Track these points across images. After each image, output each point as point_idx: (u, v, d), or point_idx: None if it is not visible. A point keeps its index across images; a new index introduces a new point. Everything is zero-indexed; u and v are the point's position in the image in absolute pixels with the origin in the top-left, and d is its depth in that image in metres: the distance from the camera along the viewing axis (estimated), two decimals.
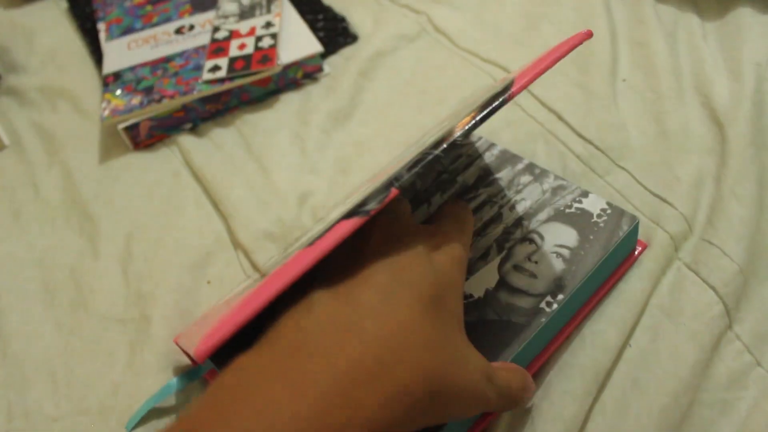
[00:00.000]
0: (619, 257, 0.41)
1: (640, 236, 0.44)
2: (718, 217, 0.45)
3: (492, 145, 0.46)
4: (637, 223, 0.40)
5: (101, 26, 0.70)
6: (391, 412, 0.25)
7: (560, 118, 0.54)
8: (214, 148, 0.58)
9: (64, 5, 0.78)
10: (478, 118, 0.31)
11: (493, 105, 0.31)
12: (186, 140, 0.58)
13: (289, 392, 0.23)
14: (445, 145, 0.30)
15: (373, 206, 0.28)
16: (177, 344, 0.42)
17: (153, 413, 0.41)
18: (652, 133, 0.51)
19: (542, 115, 0.54)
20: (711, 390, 0.39)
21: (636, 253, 0.43)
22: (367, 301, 0.27)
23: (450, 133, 0.31)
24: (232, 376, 0.25)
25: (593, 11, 0.62)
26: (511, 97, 0.31)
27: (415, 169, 0.29)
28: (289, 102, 0.61)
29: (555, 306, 0.37)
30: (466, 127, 0.30)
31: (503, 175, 0.44)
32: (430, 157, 0.29)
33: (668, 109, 0.52)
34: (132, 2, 0.71)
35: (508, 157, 0.45)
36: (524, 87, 0.31)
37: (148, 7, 0.70)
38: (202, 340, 0.26)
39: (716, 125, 0.50)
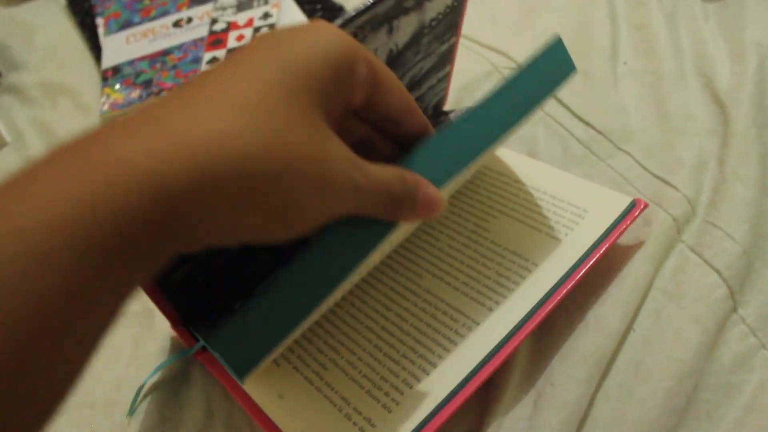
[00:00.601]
0: (545, 73, 0.36)
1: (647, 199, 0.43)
2: (721, 198, 0.44)
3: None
4: (559, 39, 0.36)
5: (100, 21, 0.69)
6: (189, 194, 0.20)
7: (560, 102, 0.53)
8: None
9: (63, 1, 0.78)
10: None
11: None
12: None
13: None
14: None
15: None
16: (176, 331, 0.42)
17: (150, 395, 0.41)
18: (654, 116, 0.51)
19: None
20: (716, 373, 0.38)
21: (637, 212, 0.41)
22: (214, 74, 0.23)
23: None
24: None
25: None
26: None
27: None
28: None
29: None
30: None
31: None
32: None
33: (670, 92, 0.52)
34: None
35: None
36: None
37: (146, 1, 0.70)
38: None
39: (718, 107, 0.50)
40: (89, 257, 0.18)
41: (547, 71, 0.35)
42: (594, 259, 0.39)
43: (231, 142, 0.21)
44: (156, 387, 0.42)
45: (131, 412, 0.40)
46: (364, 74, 0.26)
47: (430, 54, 0.45)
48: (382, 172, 0.26)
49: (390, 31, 0.40)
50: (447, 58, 0.47)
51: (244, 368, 0.28)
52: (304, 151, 0.22)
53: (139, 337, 0.45)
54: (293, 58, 0.23)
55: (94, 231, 0.18)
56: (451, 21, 0.44)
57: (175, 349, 0.43)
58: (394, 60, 0.42)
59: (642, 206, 0.41)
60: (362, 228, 0.28)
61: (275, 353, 0.30)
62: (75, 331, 0.19)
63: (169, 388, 0.42)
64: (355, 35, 0.34)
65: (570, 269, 0.39)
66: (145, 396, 0.41)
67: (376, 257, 0.32)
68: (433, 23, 0.42)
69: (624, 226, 0.40)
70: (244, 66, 0.23)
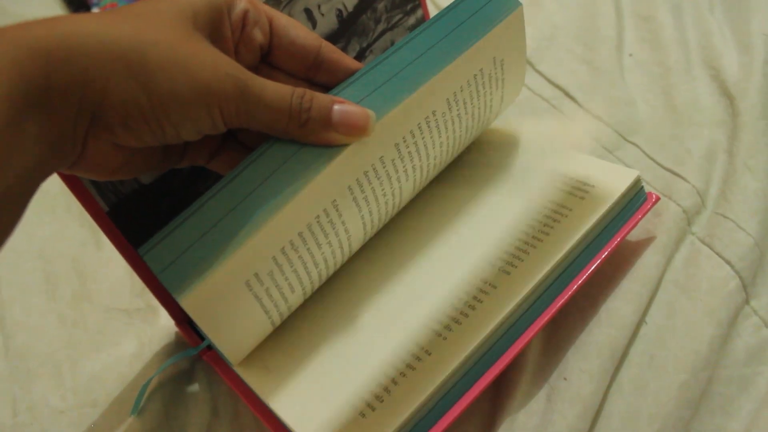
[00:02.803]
0: (483, 8, 0.36)
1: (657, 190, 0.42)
2: (731, 190, 0.44)
3: None
4: None
5: (96, 12, 0.68)
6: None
7: (567, 94, 0.53)
8: None
9: None
10: None
11: None
12: None
13: None
14: None
15: None
16: (181, 330, 0.41)
17: (156, 394, 0.40)
18: (661, 107, 0.50)
19: (548, 92, 0.53)
20: (729, 366, 0.38)
21: (649, 206, 0.41)
22: (131, 5, 0.28)
23: None
24: None
25: None
26: None
27: None
28: None
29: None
30: None
31: None
32: None
33: (677, 83, 0.52)
34: None
35: None
36: None
37: None
38: None
39: (726, 98, 0.49)
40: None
41: (484, 6, 0.36)
42: (606, 253, 0.38)
43: (106, 27, 0.25)
44: (161, 385, 0.41)
45: (135, 410, 0.39)
46: (242, 6, 0.30)
47: (397, 25, 0.45)
48: (279, 86, 0.29)
49: None
50: None
51: (176, 282, 0.28)
52: (169, 37, 0.26)
53: (143, 335, 0.44)
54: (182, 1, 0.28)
55: None
56: None
57: (180, 347, 0.43)
58: (347, 23, 0.42)
59: (654, 199, 0.41)
60: (294, 150, 0.30)
61: (215, 276, 0.29)
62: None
63: (174, 386, 0.41)
64: None
65: (579, 255, 0.38)
66: (150, 394, 0.40)
67: (328, 192, 0.32)
68: None
69: (636, 220, 0.40)
70: (150, 2, 0.28)
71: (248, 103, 0.28)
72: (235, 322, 0.32)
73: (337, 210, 0.32)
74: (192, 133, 0.28)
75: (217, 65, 0.27)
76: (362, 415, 0.33)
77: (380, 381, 0.34)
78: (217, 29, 0.29)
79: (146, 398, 0.40)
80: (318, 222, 0.32)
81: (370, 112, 0.31)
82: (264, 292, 0.32)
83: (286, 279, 0.33)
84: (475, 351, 0.34)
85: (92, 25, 0.25)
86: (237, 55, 0.31)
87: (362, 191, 0.33)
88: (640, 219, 0.40)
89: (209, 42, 0.28)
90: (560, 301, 0.37)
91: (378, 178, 0.34)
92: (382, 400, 0.33)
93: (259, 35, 0.31)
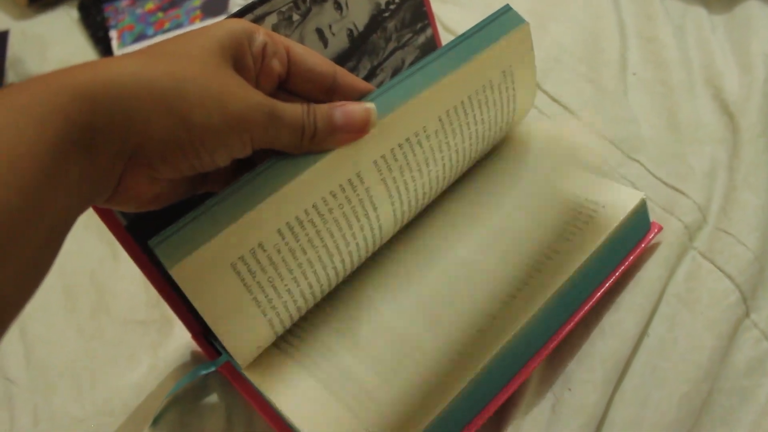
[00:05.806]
0: (491, 43, 0.39)
1: (656, 219, 0.44)
2: (731, 206, 0.45)
3: None
4: (507, 6, 0.40)
5: (113, 34, 0.70)
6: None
7: (571, 112, 0.54)
8: None
9: (75, 15, 0.79)
10: None
11: None
12: None
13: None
14: None
15: None
16: (197, 342, 0.43)
17: (172, 405, 0.42)
18: (664, 126, 0.52)
19: (553, 110, 0.55)
20: (730, 378, 0.39)
21: (651, 236, 0.42)
22: (162, 42, 0.30)
23: None
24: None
25: (601, 8, 0.63)
26: None
27: None
28: None
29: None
30: None
31: None
32: None
33: (679, 102, 0.53)
34: (143, 9, 0.72)
35: None
36: None
37: (160, 14, 0.71)
38: None
39: (727, 116, 0.51)
40: (42, 151, 0.23)
41: (492, 28, 0.39)
42: (610, 282, 0.40)
43: (143, 68, 0.27)
44: (176, 395, 0.42)
45: (155, 422, 0.41)
46: (262, 39, 0.32)
47: (407, 44, 0.46)
48: (293, 107, 0.31)
49: (338, 7, 0.41)
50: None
51: (172, 256, 0.30)
52: (202, 73, 0.28)
53: (158, 346, 0.45)
54: (206, 34, 0.30)
55: (40, 131, 0.23)
56: (415, 7, 0.45)
57: (195, 358, 0.44)
58: (358, 42, 0.43)
59: (657, 230, 0.43)
60: (289, 157, 0.33)
61: (208, 249, 0.31)
62: (43, 215, 0.23)
63: (190, 397, 0.42)
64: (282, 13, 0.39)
65: (583, 281, 0.39)
66: (166, 404, 0.42)
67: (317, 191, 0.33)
68: (391, 6, 0.44)
69: (639, 250, 0.42)
70: (177, 39, 0.30)
71: (275, 128, 0.30)
72: (232, 308, 0.33)
73: (345, 200, 0.34)
74: (225, 159, 0.30)
75: (247, 96, 0.29)
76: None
77: (390, 391, 0.35)
78: (240, 61, 0.31)
79: (164, 409, 0.41)
80: (325, 203, 0.33)
81: (370, 105, 0.33)
82: (260, 281, 0.33)
83: (286, 268, 0.34)
84: (479, 377, 0.35)
85: (131, 66, 0.27)
86: (257, 85, 0.32)
87: (363, 184, 0.35)
88: (644, 248, 0.42)
89: (235, 73, 0.30)
90: (565, 330, 0.38)
91: (389, 169, 0.36)
92: (395, 411, 0.34)
93: (277, 65, 0.33)
